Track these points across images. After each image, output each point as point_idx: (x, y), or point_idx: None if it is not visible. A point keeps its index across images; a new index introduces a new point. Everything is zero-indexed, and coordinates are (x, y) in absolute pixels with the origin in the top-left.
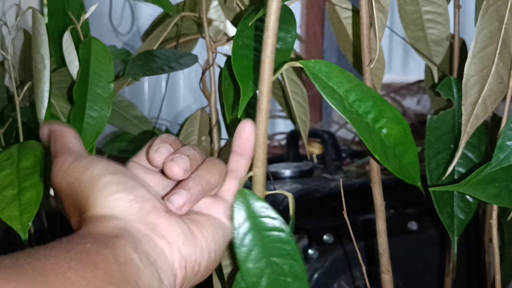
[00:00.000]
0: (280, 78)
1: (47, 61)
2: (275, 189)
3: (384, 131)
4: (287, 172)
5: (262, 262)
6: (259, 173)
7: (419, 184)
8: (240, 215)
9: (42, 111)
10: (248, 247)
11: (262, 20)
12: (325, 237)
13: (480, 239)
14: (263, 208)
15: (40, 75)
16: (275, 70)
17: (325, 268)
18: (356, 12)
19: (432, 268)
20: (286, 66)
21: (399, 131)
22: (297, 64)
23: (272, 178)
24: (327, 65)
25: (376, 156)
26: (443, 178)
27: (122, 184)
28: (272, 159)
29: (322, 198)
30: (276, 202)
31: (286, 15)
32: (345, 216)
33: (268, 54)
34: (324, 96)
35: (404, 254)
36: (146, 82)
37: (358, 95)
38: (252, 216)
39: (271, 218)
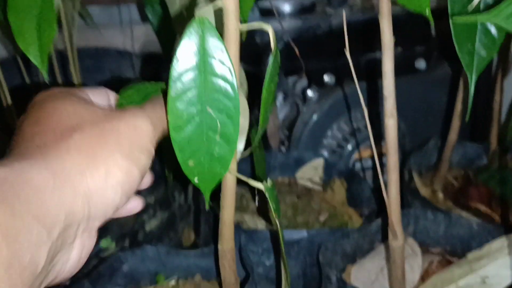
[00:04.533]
0: None
1: None
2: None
3: None
4: (286, 7)
5: (194, 108)
6: (230, 1)
7: (428, 13)
8: (189, 46)
9: None
10: (185, 85)
11: None
12: (325, 77)
13: (490, 89)
14: (219, 50)
15: None
16: None
17: (324, 109)
18: None
19: (437, 110)
20: None
21: None
22: None
23: (269, 14)
24: None
25: None
26: (468, 8)
27: None
28: None
29: (323, 36)
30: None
31: None
32: (347, 54)
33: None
34: None
35: (408, 95)
36: None
37: None
38: (203, 54)
39: (224, 64)
